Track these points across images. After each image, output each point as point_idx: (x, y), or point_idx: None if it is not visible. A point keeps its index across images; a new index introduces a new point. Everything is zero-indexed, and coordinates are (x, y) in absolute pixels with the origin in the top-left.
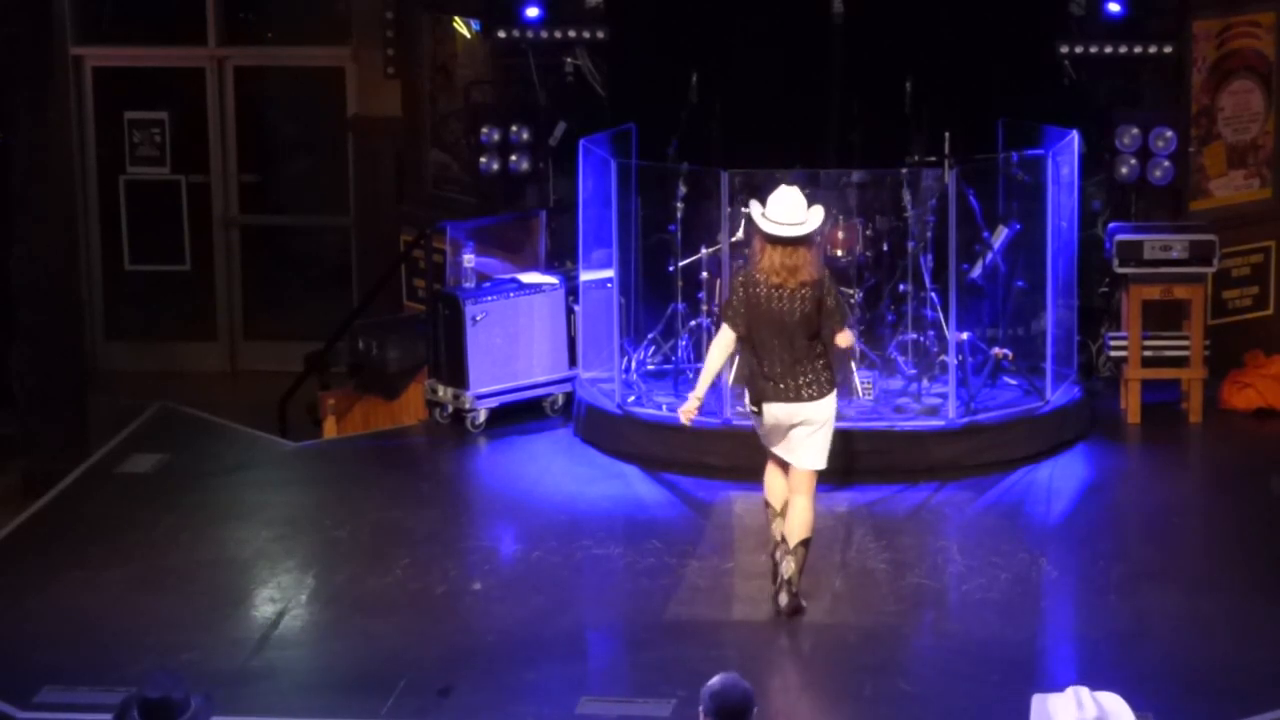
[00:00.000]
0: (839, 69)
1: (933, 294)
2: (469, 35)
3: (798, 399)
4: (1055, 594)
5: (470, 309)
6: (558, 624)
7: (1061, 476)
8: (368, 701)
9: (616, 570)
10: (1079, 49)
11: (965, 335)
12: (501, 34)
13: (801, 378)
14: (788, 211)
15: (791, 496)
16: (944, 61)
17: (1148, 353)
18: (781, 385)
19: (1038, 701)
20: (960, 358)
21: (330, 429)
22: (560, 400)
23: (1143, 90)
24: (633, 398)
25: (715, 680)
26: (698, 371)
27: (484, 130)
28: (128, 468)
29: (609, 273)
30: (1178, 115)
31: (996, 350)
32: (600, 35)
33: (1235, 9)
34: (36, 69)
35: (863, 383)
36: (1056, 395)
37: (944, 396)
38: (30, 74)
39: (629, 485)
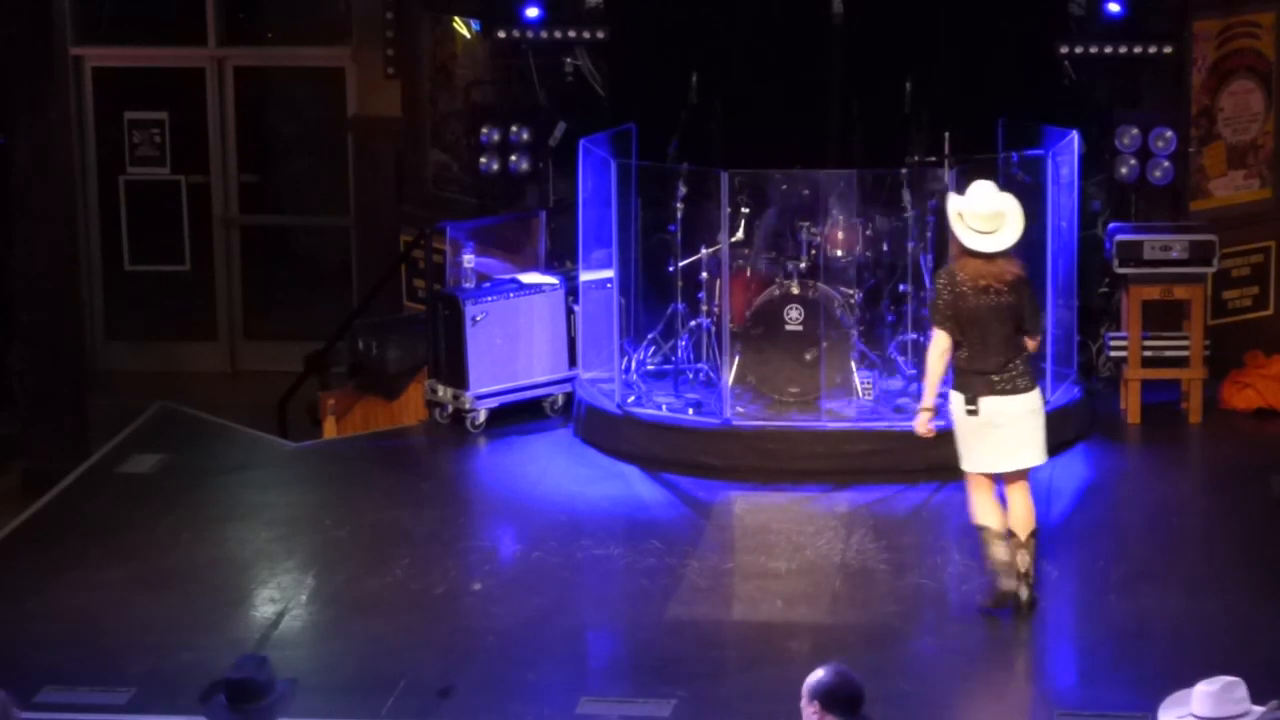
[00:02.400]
0: (839, 69)
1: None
2: (469, 35)
3: (1016, 391)
4: (1055, 594)
5: (470, 309)
6: (558, 624)
7: (1061, 476)
8: (368, 701)
9: (616, 570)
10: (1079, 49)
11: None
12: (501, 34)
13: (1016, 369)
14: (983, 220)
15: (1015, 494)
16: (944, 61)
17: (1148, 353)
18: (999, 379)
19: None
20: None
21: (330, 429)
22: (560, 400)
23: (1143, 90)
24: (633, 398)
25: (825, 674)
26: (697, 371)
27: (484, 130)
28: (128, 468)
29: (609, 273)
30: (1178, 115)
31: None
32: (600, 35)
33: (1235, 9)
34: (36, 69)
35: (863, 383)
36: (1056, 395)
37: (944, 396)
38: (30, 74)
39: (629, 485)
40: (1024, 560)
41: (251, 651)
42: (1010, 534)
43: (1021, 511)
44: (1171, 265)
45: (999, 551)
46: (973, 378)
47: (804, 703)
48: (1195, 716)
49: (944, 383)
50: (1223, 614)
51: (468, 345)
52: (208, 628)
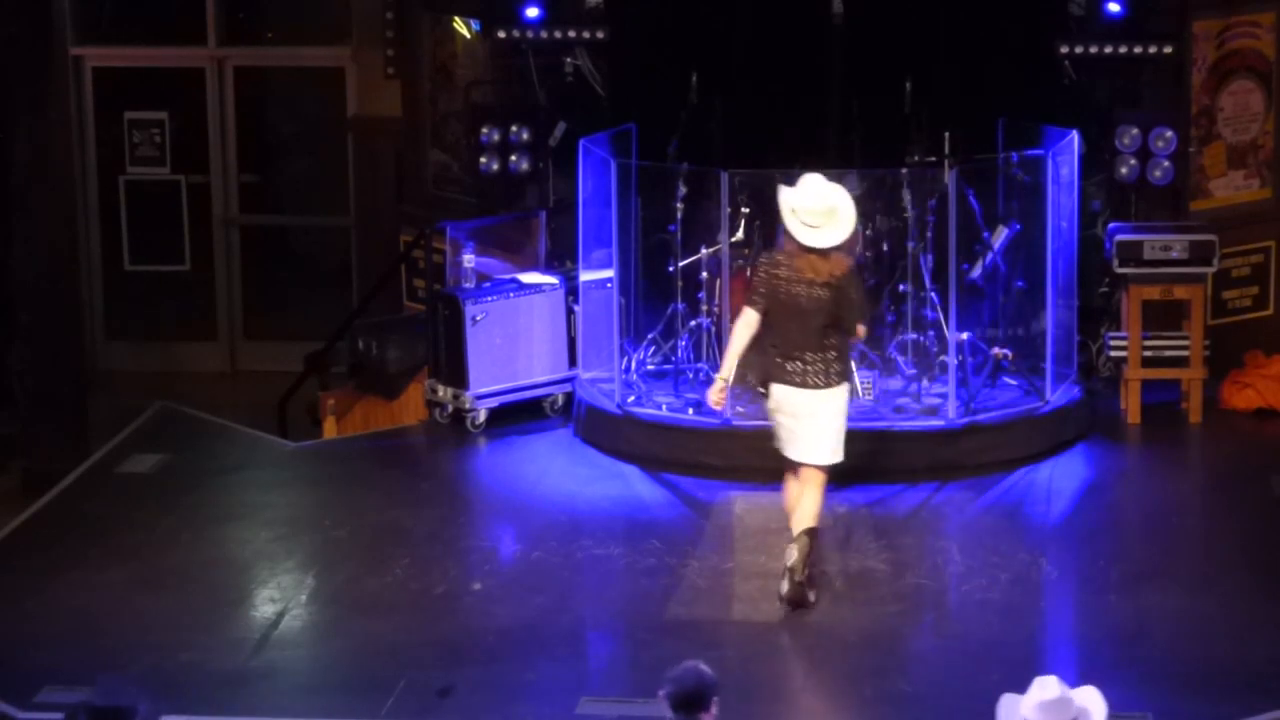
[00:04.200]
0: (839, 69)
1: (933, 294)
2: (469, 35)
3: (804, 386)
4: (1055, 594)
5: (470, 309)
6: (558, 624)
7: (1061, 476)
8: (368, 701)
9: (616, 570)
10: (1079, 49)
11: (965, 335)
12: (501, 34)
13: (812, 366)
14: (815, 215)
15: (801, 490)
16: (944, 61)
17: (1148, 353)
18: (791, 370)
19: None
20: (960, 358)
21: (330, 429)
22: (560, 400)
23: (1143, 90)
24: (633, 398)
25: (676, 670)
26: (697, 372)
27: (484, 130)
28: (128, 468)
29: (609, 273)
30: (1178, 115)
31: (996, 350)
32: (600, 35)
33: (1235, 9)
34: (36, 69)
35: (863, 383)
36: (1056, 395)
37: (944, 396)
38: (30, 74)
39: (629, 485)
40: (791, 555)
41: (114, 674)
42: (791, 532)
43: (804, 508)
44: (1171, 265)
45: (785, 555)
46: (771, 363)
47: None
48: None
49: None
50: (1223, 614)
51: (468, 345)
52: (208, 628)
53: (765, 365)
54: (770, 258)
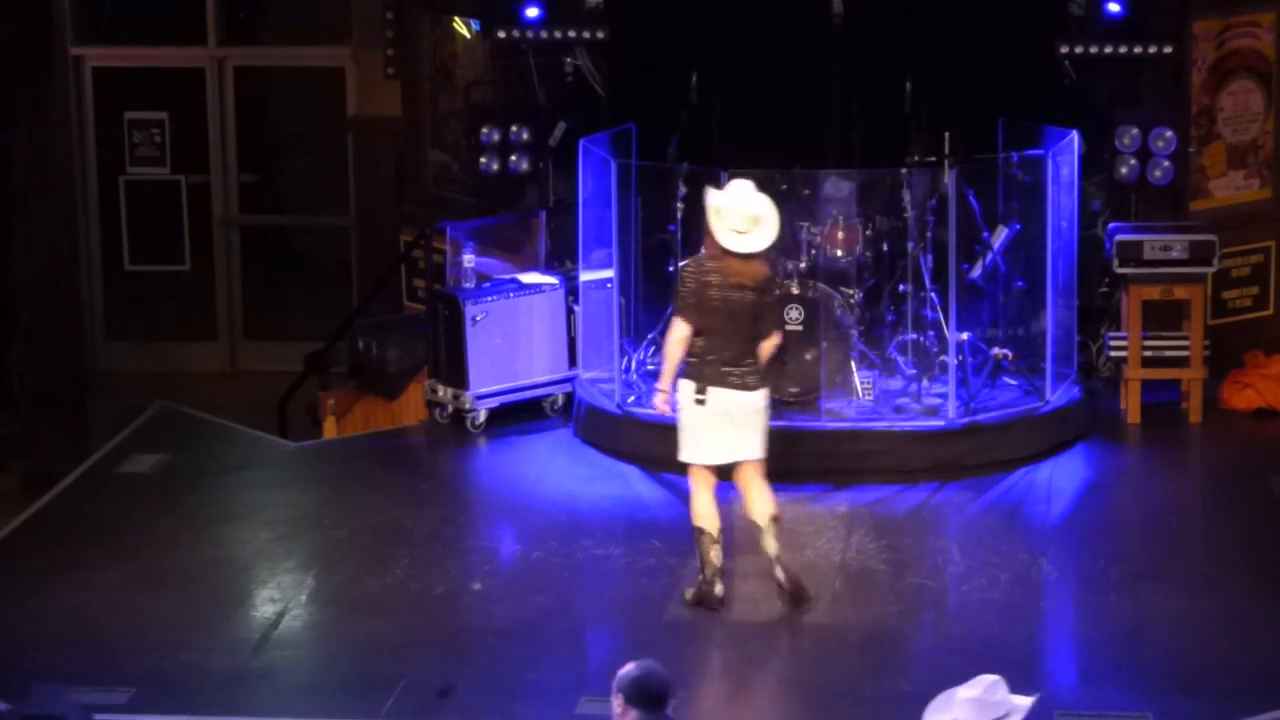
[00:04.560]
0: (839, 69)
1: (933, 294)
2: (469, 35)
3: (746, 388)
4: (1055, 594)
5: (470, 309)
6: (558, 624)
7: (1061, 476)
8: (368, 701)
9: (616, 570)
10: (1079, 49)
11: (965, 335)
12: (501, 34)
13: (749, 367)
14: (742, 220)
15: (750, 486)
16: (944, 61)
17: (1148, 353)
18: (731, 373)
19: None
20: (960, 358)
21: (330, 429)
22: (560, 400)
23: (1143, 90)
24: (633, 398)
25: (633, 668)
26: None
27: (484, 130)
28: (128, 468)
29: (609, 273)
30: (1178, 115)
31: (996, 350)
32: (600, 35)
33: (1235, 9)
34: (36, 69)
35: (863, 383)
36: (1056, 395)
37: (944, 396)
38: (30, 74)
39: (629, 485)
40: (772, 545)
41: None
42: (754, 524)
43: (759, 500)
44: (1171, 265)
45: (714, 555)
46: (707, 369)
47: (612, 695)
48: None
49: None
50: (1223, 614)
51: (468, 345)
52: (208, 628)
53: (702, 371)
54: (698, 264)
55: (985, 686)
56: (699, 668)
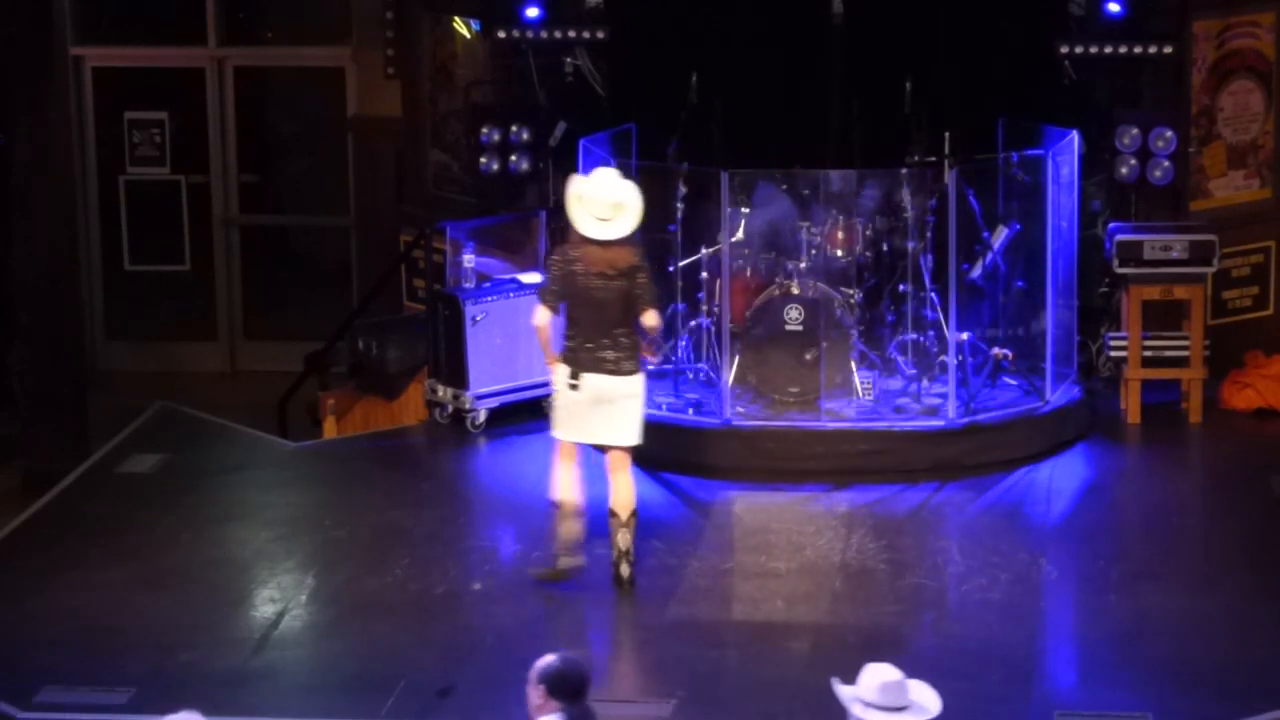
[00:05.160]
0: (839, 69)
1: (933, 294)
2: (469, 35)
3: (617, 373)
4: (1055, 594)
5: (470, 309)
6: (558, 624)
7: (1061, 476)
8: (368, 701)
9: None
10: (1079, 49)
11: (965, 335)
12: (501, 34)
13: (620, 353)
14: (604, 208)
15: (616, 474)
16: (944, 61)
17: (1148, 353)
18: (601, 358)
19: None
20: (960, 358)
21: (330, 429)
22: None
23: (1143, 90)
24: None
25: (554, 659)
26: (697, 372)
27: (484, 130)
28: (128, 468)
29: None
30: (1178, 115)
31: (996, 350)
32: (600, 35)
33: (1235, 9)
34: (36, 69)
35: (863, 383)
36: (1056, 395)
37: (944, 396)
38: (30, 74)
39: None
40: (624, 539)
41: None
42: (612, 513)
43: (623, 492)
44: (1171, 265)
45: (566, 528)
46: (581, 354)
47: (530, 685)
48: (863, 701)
49: None
50: (1223, 614)
51: (468, 345)
52: (208, 628)
53: (576, 357)
54: (563, 252)
55: (884, 673)
56: (699, 668)
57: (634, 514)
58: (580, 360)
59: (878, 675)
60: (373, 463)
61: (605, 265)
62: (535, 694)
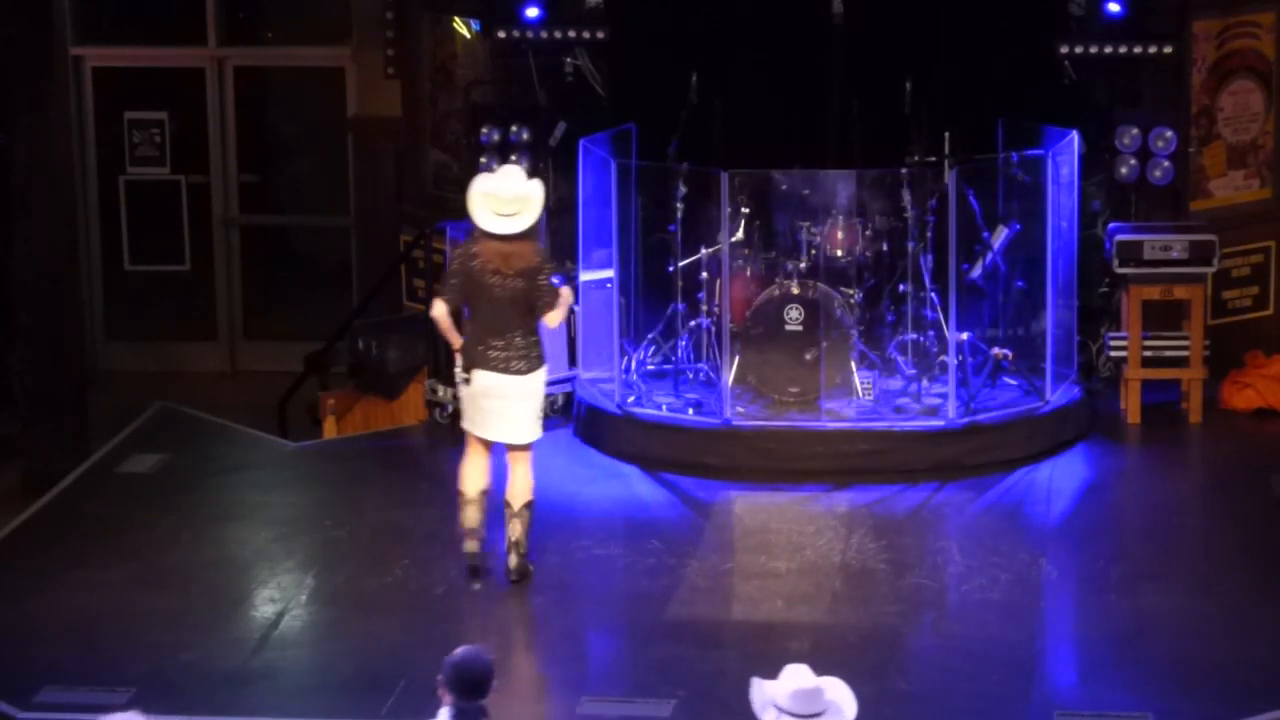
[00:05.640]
0: (839, 69)
1: (933, 294)
2: (469, 35)
3: (509, 371)
4: (1055, 594)
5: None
6: (558, 624)
7: (1061, 476)
8: (368, 701)
9: (616, 570)
10: (1079, 49)
11: (965, 335)
12: (501, 34)
13: (514, 351)
14: (505, 203)
15: (512, 469)
16: (944, 61)
17: (1148, 353)
18: (494, 357)
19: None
20: (960, 358)
21: (330, 429)
22: (560, 400)
23: (1143, 90)
24: (633, 398)
25: (458, 653)
26: (697, 372)
27: (484, 130)
28: (128, 468)
29: (609, 273)
30: (1178, 115)
31: (996, 350)
32: (600, 35)
33: (1235, 9)
34: (36, 69)
35: (863, 383)
36: (1056, 395)
37: (944, 396)
38: (30, 74)
39: (629, 485)
40: (514, 530)
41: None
42: (506, 504)
43: (517, 484)
44: (1171, 265)
45: (465, 516)
46: (473, 351)
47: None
48: (778, 708)
49: None
50: (1223, 614)
51: None
52: (208, 628)
53: (470, 352)
54: (465, 248)
55: (814, 688)
56: (698, 667)
57: (527, 505)
58: (472, 356)
59: (793, 680)
60: (373, 463)
61: (502, 262)
62: (439, 685)
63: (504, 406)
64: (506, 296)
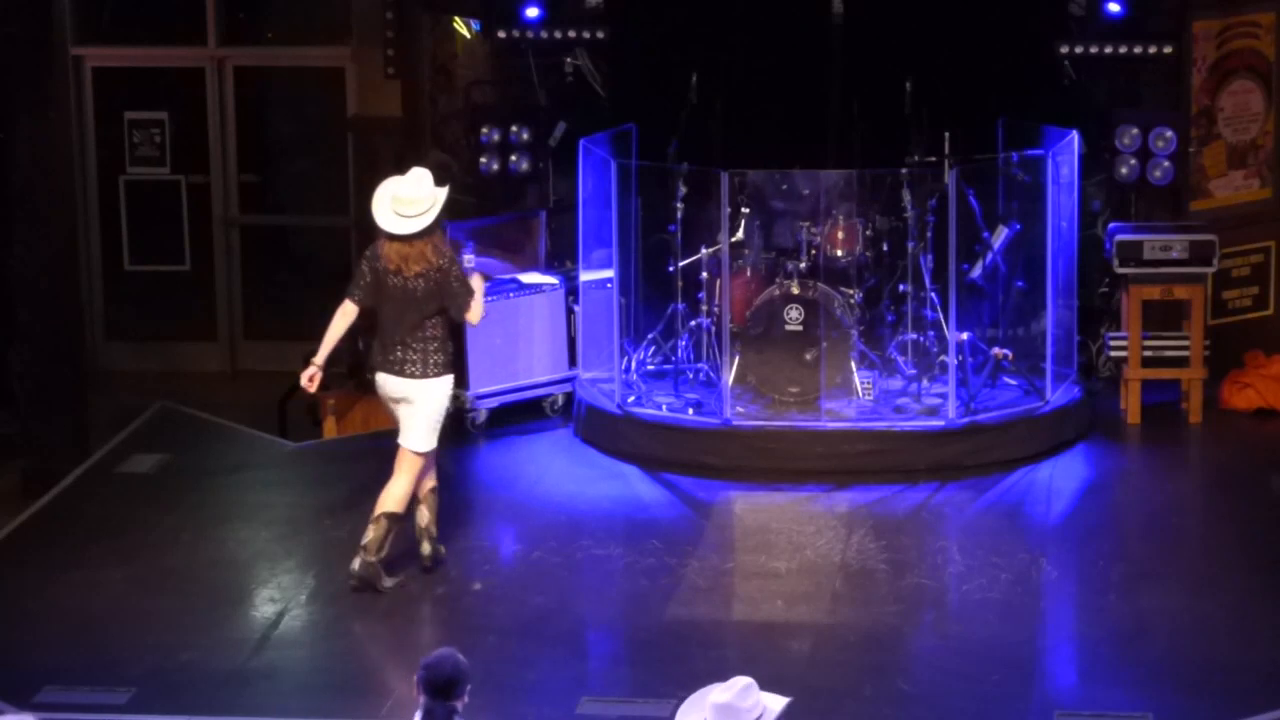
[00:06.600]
0: (839, 69)
1: (933, 294)
2: (469, 35)
3: (402, 374)
4: (1055, 594)
5: None
6: (558, 624)
7: (1061, 476)
8: (368, 701)
9: (616, 570)
10: (1079, 49)
11: (965, 335)
12: (501, 34)
13: (409, 354)
14: (405, 204)
15: (395, 471)
16: (944, 61)
17: (1148, 353)
18: (391, 359)
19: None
20: (960, 358)
21: (330, 429)
22: (560, 400)
23: (1143, 90)
24: (633, 398)
25: (434, 654)
26: (697, 372)
27: (484, 130)
28: (128, 468)
29: (609, 273)
30: (1178, 115)
31: (996, 350)
32: (600, 35)
33: (1235, 9)
34: (36, 69)
35: (863, 383)
36: (1056, 395)
37: (944, 396)
38: (30, 74)
39: (629, 485)
40: (367, 534)
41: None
42: (420, 515)
43: (390, 490)
44: (1171, 265)
45: (419, 517)
46: (375, 352)
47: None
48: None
49: None
50: (1223, 614)
51: (468, 345)
52: (208, 628)
53: (373, 354)
54: (372, 249)
55: (737, 691)
56: (698, 667)
57: (387, 516)
58: (374, 358)
59: (720, 694)
60: (373, 463)
61: (401, 263)
62: (414, 686)
63: (402, 409)
64: (405, 298)
